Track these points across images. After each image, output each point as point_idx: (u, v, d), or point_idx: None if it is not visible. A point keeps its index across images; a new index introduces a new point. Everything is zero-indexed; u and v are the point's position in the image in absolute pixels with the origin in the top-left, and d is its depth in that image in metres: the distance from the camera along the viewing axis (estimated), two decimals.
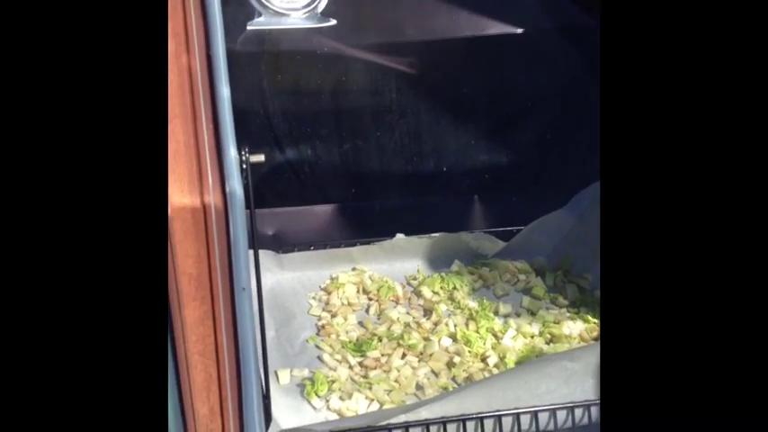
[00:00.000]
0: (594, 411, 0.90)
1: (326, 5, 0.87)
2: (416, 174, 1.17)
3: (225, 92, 0.75)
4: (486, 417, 0.87)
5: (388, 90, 1.10)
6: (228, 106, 0.74)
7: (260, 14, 0.86)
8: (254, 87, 1.06)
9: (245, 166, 0.76)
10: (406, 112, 1.12)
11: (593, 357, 0.91)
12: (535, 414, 0.88)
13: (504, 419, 0.87)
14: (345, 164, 1.13)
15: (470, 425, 0.87)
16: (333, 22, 0.89)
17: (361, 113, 1.11)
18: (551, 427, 0.89)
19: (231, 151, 0.74)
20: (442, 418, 0.86)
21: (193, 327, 0.70)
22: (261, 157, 0.83)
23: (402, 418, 0.85)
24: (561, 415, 0.89)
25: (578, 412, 0.89)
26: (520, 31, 1.09)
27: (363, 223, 1.19)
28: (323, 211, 1.21)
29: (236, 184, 0.73)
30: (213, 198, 0.73)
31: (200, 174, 0.74)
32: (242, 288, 0.71)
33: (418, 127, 1.13)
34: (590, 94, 1.14)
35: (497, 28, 1.08)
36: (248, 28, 0.87)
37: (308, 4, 0.87)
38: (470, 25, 1.07)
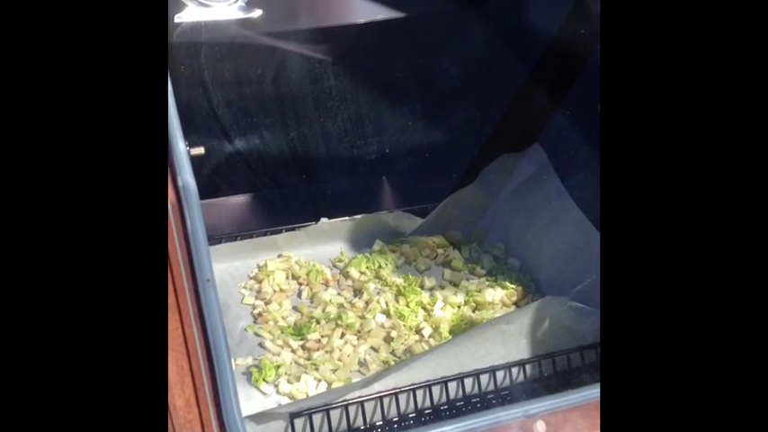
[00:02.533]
0: (529, 369, 0.97)
1: None
2: (361, 156, 1.20)
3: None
4: (434, 384, 0.92)
5: (327, 77, 1.12)
6: (172, 100, 0.74)
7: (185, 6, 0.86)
8: (195, 80, 1.05)
9: None
10: (346, 97, 1.14)
11: (526, 319, 0.98)
12: (477, 376, 0.94)
13: (449, 384, 0.92)
14: (293, 150, 1.14)
15: (419, 393, 0.91)
16: (259, 12, 0.90)
17: (303, 101, 1.12)
18: (491, 387, 0.95)
19: (180, 145, 0.74)
20: (394, 389, 0.90)
21: None
22: (201, 150, 0.83)
23: (356, 394, 0.88)
24: (500, 375, 0.95)
25: (515, 371, 0.96)
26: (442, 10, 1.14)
27: (292, 210, 1.21)
28: (247, 200, 1.22)
29: (188, 177, 0.74)
30: (168, 193, 0.73)
31: None
32: (206, 279, 0.72)
33: (359, 111, 1.15)
34: (510, 73, 1.21)
35: (421, 8, 1.12)
36: (175, 20, 0.87)
37: None
38: (392, 7, 1.10)
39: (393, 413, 0.90)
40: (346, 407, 0.87)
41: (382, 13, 1.12)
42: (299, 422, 0.85)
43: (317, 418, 0.86)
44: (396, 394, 0.89)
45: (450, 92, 1.22)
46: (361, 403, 0.88)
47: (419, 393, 0.91)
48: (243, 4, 0.89)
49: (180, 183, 0.73)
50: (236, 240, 1.17)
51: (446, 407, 0.92)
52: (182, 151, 0.74)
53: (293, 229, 1.19)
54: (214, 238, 1.15)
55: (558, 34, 1.19)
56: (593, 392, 0.82)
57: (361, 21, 1.05)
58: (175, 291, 0.71)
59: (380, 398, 0.89)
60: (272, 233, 1.18)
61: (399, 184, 1.28)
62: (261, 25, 0.98)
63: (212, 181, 1.14)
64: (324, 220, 1.20)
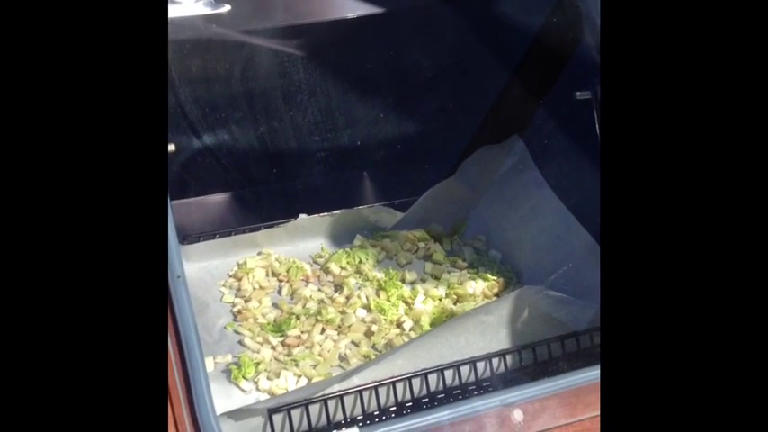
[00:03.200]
0: (509, 359, 0.96)
1: None
2: (332, 149, 1.20)
3: None
4: (414, 376, 0.91)
5: (296, 71, 1.12)
6: None
7: None
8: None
9: None
10: (316, 91, 1.14)
11: (505, 309, 0.98)
12: (457, 367, 0.93)
13: (429, 376, 0.92)
14: (263, 145, 1.14)
15: (399, 386, 0.91)
16: (227, 7, 0.89)
17: (272, 95, 1.12)
18: (472, 378, 0.94)
19: None
20: (373, 382, 0.89)
21: None
22: (171, 147, 0.83)
23: (335, 388, 0.88)
24: (480, 366, 0.95)
25: (495, 361, 0.96)
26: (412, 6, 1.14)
27: (270, 206, 1.20)
28: (225, 198, 1.21)
29: None
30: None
31: None
32: (177, 276, 0.71)
33: (329, 104, 1.15)
34: (482, 64, 1.21)
35: (389, 5, 1.12)
36: None
37: None
38: (361, 4, 1.10)
39: (373, 406, 0.89)
40: (325, 401, 0.86)
41: (357, 10, 1.12)
42: (277, 418, 0.84)
43: (295, 413, 0.85)
44: (375, 387, 0.89)
45: (422, 84, 1.22)
46: (341, 397, 0.87)
47: (399, 386, 0.91)
48: (211, 0, 0.89)
49: None
50: (214, 239, 1.16)
51: (426, 399, 0.92)
52: None
53: (272, 226, 1.18)
54: (192, 237, 1.14)
55: (536, 27, 1.19)
56: (570, 380, 0.82)
57: (333, 18, 1.05)
58: None
59: (360, 391, 0.88)
60: (251, 231, 1.18)
61: (377, 178, 1.27)
62: (229, 21, 0.98)
63: (182, 177, 1.13)
64: (303, 216, 1.19)
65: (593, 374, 0.83)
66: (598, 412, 0.80)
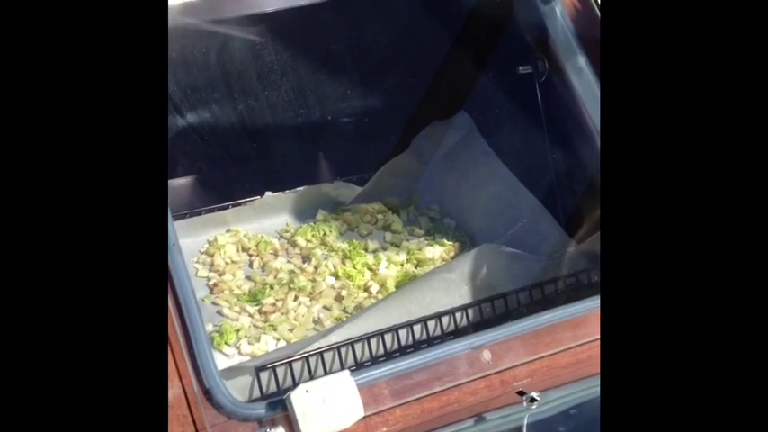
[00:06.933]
0: (471, 312, 1.05)
1: None
2: (304, 124, 1.26)
3: None
4: (386, 332, 0.99)
5: (267, 53, 1.18)
6: None
7: None
8: None
9: None
10: (287, 70, 1.20)
11: (467, 267, 1.06)
12: (424, 322, 1.01)
13: (400, 332, 1.00)
14: (242, 122, 1.19)
15: (373, 341, 0.98)
16: None
17: (247, 76, 1.17)
18: (438, 332, 1.03)
19: None
20: (349, 339, 0.96)
21: None
22: None
23: (315, 346, 0.95)
24: (445, 320, 1.03)
25: (458, 315, 1.04)
26: None
27: (239, 185, 1.26)
28: (192, 181, 1.26)
29: None
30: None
31: None
32: (172, 244, 0.77)
33: (300, 83, 1.21)
34: (436, 40, 1.29)
35: None
36: None
37: None
38: None
39: (350, 362, 0.96)
40: (307, 358, 0.93)
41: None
42: (264, 375, 0.91)
43: (280, 370, 0.92)
44: (351, 344, 0.96)
45: (383, 61, 1.30)
46: (321, 354, 0.94)
47: (373, 342, 0.98)
48: None
49: None
50: (184, 219, 1.21)
51: (398, 353, 1.00)
52: None
53: (239, 205, 1.24)
54: None
55: (476, 2, 1.27)
56: (530, 323, 0.91)
57: (291, 6, 1.11)
58: None
59: (338, 348, 0.95)
60: (219, 210, 1.23)
61: (341, 152, 1.34)
62: (202, 10, 1.03)
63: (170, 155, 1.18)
64: (268, 193, 1.26)
65: (548, 317, 0.92)
66: (555, 350, 0.90)
